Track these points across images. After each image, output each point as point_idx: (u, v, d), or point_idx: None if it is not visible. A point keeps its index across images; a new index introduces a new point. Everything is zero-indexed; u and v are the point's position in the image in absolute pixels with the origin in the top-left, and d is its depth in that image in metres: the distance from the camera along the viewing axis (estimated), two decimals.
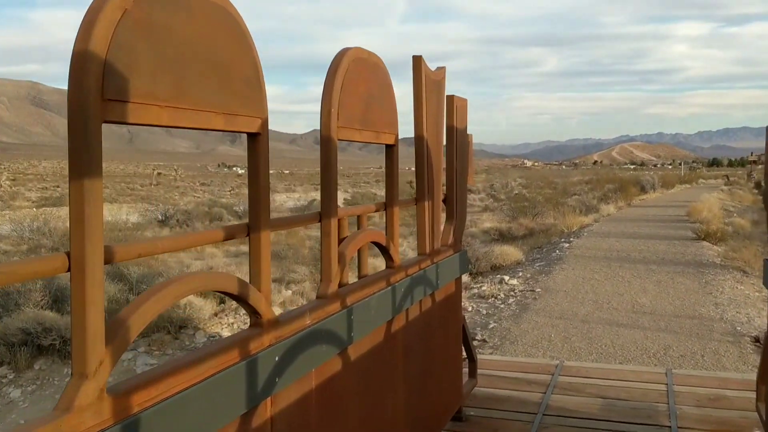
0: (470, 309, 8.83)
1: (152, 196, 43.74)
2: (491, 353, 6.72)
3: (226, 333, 8.66)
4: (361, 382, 2.99)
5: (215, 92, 1.81)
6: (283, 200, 37.66)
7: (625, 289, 9.56)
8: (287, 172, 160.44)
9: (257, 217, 2.13)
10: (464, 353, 5.27)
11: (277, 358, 2.19)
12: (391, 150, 3.44)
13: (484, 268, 12.32)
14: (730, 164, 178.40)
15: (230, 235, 2.07)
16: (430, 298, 4.19)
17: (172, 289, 1.71)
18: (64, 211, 25.40)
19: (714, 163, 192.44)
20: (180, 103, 1.66)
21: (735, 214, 24.38)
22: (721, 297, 8.91)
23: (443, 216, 4.87)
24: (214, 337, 8.58)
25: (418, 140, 4.03)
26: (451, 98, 4.72)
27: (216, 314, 9.23)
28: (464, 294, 9.50)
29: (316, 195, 39.99)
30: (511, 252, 13.12)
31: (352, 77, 2.87)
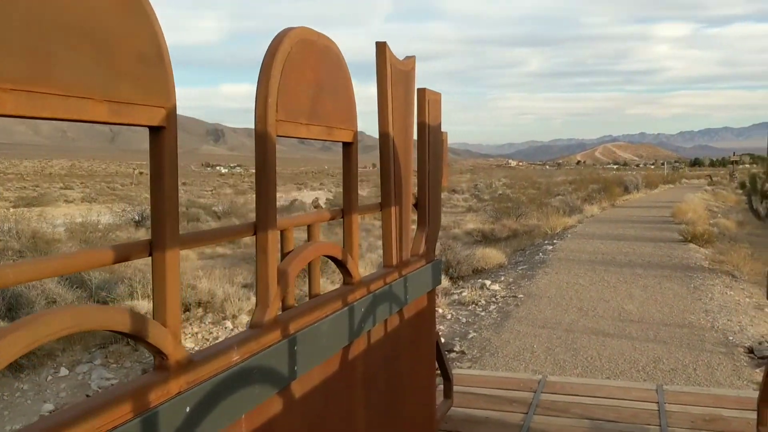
0: (449, 317, 8.39)
1: (131, 196, 42.98)
2: (470, 367, 6.28)
3: (189, 344, 8.16)
4: (309, 423, 2.53)
5: (92, 72, 1.36)
6: None
7: (610, 294, 9.16)
8: None
9: (161, 233, 1.66)
10: (439, 371, 4.85)
11: (188, 409, 1.71)
12: (348, 149, 2.98)
13: (466, 272, 11.89)
14: (712, 164, 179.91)
15: (125, 255, 1.59)
16: (398, 316, 3.73)
17: (20, 335, 1.22)
18: (37, 212, 24.70)
19: (696, 163, 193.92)
20: (35, 86, 1.21)
21: (719, 215, 24.20)
22: (711, 304, 8.53)
23: (414, 222, 4.42)
24: None
25: (383, 137, 3.57)
26: (422, 91, 4.26)
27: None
28: (443, 300, 9.06)
29: (298, 194, 39.52)
30: (493, 255, 12.70)
31: (297, 61, 2.39)
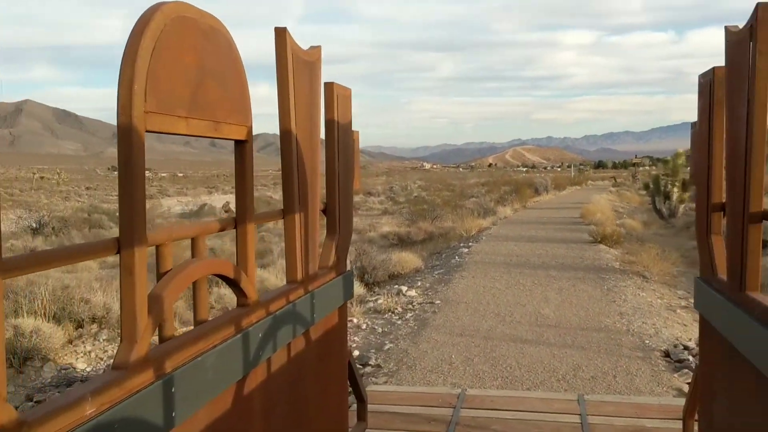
0: (365, 327, 8.01)
1: (30, 202, 40.39)
2: (386, 382, 5.91)
3: (81, 365, 7.41)
4: None
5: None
6: (172, 205, 35.61)
7: (527, 298, 9.03)
8: (181, 174, 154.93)
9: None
10: (352, 392, 4.46)
11: None
12: (241, 148, 2.54)
13: (382, 277, 11.56)
14: (615, 167, 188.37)
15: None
16: (304, 338, 3.30)
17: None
18: None
19: (600, 165, 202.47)
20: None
21: (625, 215, 25.02)
22: (625, 306, 8.53)
23: (324, 231, 4.01)
24: (66, 369, 7.30)
25: (285, 135, 3.13)
26: (329, 86, 3.85)
27: (71, 341, 7.93)
28: (358, 309, 8.67)
29: (208, 199, 38.25)
30: (409, 259, 12.44)
31: (172, 42, 1.93)
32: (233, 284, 2.54)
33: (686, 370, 5.98)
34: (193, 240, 2.36)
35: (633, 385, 5.65)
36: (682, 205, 24.56)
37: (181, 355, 2.03)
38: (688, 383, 5.80)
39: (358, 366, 6.50)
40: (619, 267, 11.57)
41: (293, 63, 3.09)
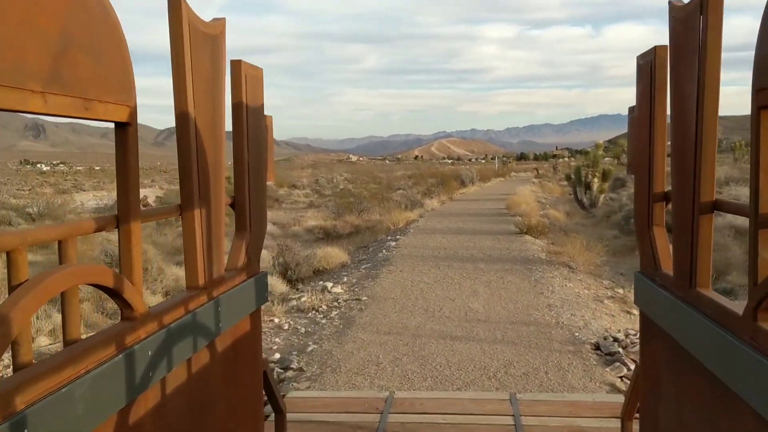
0: (287, 327, 7.57)
1: None
2: (308, 387, 5.52)
3: None
4: None
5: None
6: (87, 200, 33.89)
7: (456, 292, 8.81)
8: (99, 168, 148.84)
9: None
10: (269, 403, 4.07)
11: None
12: (123, 132, 2.11)
13: (306, 273, 11.14)
14: (536, 158, 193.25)
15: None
16: (208, 351, 2.88)
17: None
18: None
19: (522, 157, 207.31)
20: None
21: (548, 206, 25.40)
22: (553, 297, 8.43)
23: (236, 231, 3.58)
24: None
25: (181, 120, 2.69)
26: (237, 64, 3.41)
27: None
28: (280, 308, 8.23)
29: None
30: (335, 254, 12.05)
31: (20, 1, 1.53)
32: (114, 294, 2.11)
33: (618, 364, 5.86)
34: (60, 243, 1.91)
35: (565, 381, 5.47)
36: (602, 196, 25.16)
37: (38, 387, 1.61)
38: (620, 378, 5.68)
39: (279, 370, 6.09)
40: (545, 258, 11.54)
41: (191, 35, 2.66)
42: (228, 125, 3.55)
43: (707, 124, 2.55)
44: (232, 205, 3.51)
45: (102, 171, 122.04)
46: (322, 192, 36.91)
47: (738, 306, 2.34)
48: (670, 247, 3.34)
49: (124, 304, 2.15)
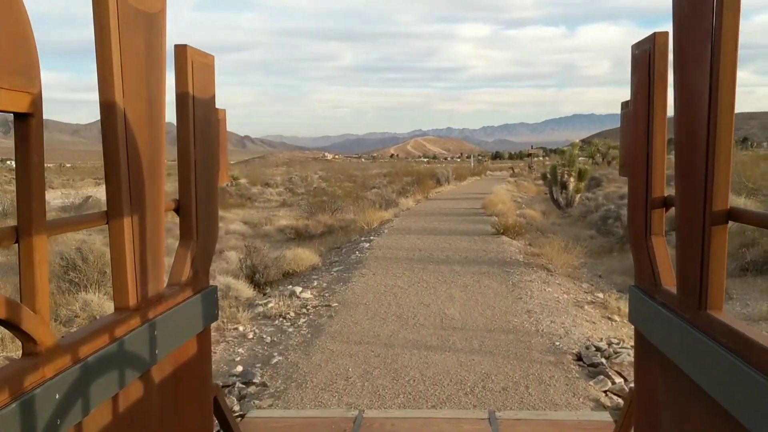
0: (251, 336, 7.12)
1: None
2: (271, 405, 5.09)
3: None
4: None
5: None
6: (54, 198, 32.89)
7: (431, 297, 8.43)
8: (69, 165, 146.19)
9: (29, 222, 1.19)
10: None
11: None
12: (24, 124, 1.70)
13: (275, 277, 10.68)
14: (511, 157, 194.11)
15: None
16: (141, 384, 2.45)
17: None
18: None
19: (497, 156, 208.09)
20: None
21: (524, 205, 25.20)
22: (532, 302, 8.09)
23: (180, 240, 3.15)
24: None
25: (107, 110, 2.26)
26: (181, 49, 2.97)
27: None
28: (245, 315, 7.77)
29: (95, 191, 35.77)
30: (305, 256, 11.60)
31: None
32: (12, 327, 1.68)
33: (602, 377, 5.52)
34: None
35: (547, 396, 5.11)
36: (579, 195, 25.00)
37: None
38: (605, 392, 5.34)
39: (240, 385, 5.64)
40: (523, 260, 11.22)
41: (119, 12, 2.23)
42: (172, 118, 3.12)
43: (722, 120, 2.17)
44: (177, 210, 3.07)
45: (73, 168, 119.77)
46: (295, 190, 36.36)
47: (760, 335, 1.97)
48: (671, 259, 2.98)
49: (25, 338, 1.73)
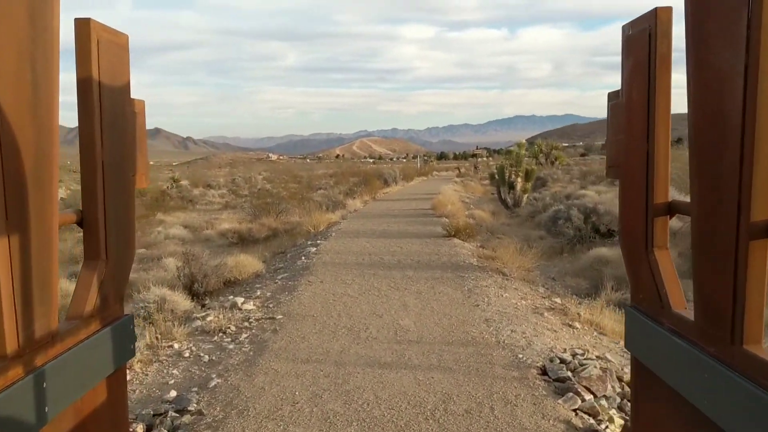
0: (188, 355, 6.47)
1: None
2: None
3: None
4: None
5: None
6: None
7: (383, 307, 7.92)
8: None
9: None
10: None
11: None
12: None
13: (215, 286, 9.99)
14: (456, 158, 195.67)
15: None
16: None
17: None
18: None
19: (442, 156, 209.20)
20: None
21: (472, 206, 25.00)
22: (490, 310, 7.67)
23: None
24: None
25: None
26: (84, 24, 2.38)
27: None
28: (182, 330, 7.10)
29: None
30: (248, 262, 10.94)
31: None
32: None
33: (571, 394, 5.11)
34: None
35: (515, 419, 4.66)
36: (526, 195, 24.96)
37: None
38: (574, 411, 4.93)
39: (173, 414, 5.01)
40: (477, 263, 10.82)
41: None
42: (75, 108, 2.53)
43: (764, 109, 1.72)
44: (81, 223, 2.47)
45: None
46: (238, 192, 35.35)
47: None
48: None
49: None
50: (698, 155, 2.00)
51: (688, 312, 2.26)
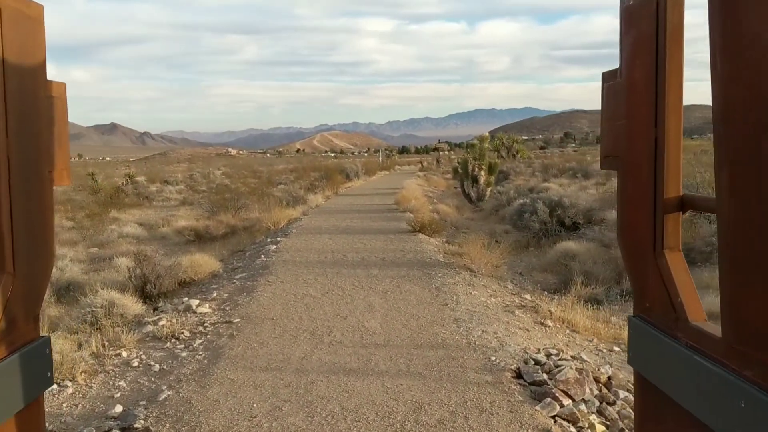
0: (137, 364, 5.98)
1: None
2: None
3: None
4: None
5: None
6: None
7: (348, 308, 7.53)
8: None
9: None
10: None
11: None
12: None
13: (169, 287, 9.47)
14: (417, 152, 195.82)
15: None
16: None
17: None
18: None
19: (404, 150, 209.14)
20: None
21: (436, 200, 24.77)
22: (459, 309, 7.35)
23: None
24: None
25: None
26: None
27: None
28: (132, 337, 6.60)
29: None
30: (204, 262, 10.43)
31: None
32: None
33: (549, 400, 4.81)
34: None
35: (491, 429, 4.33)
36: (489, 189, 24.82)
37: None
38: (553, 418, 4.63)
39: None
40: (443, 260, 10.51)
41: None
42: None
43: None
44: None
45: None
46: (196, 188, 34.51)
47: None
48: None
49: None
50: (729, 143, 1.66)
51: (708, 325, 1.93)
